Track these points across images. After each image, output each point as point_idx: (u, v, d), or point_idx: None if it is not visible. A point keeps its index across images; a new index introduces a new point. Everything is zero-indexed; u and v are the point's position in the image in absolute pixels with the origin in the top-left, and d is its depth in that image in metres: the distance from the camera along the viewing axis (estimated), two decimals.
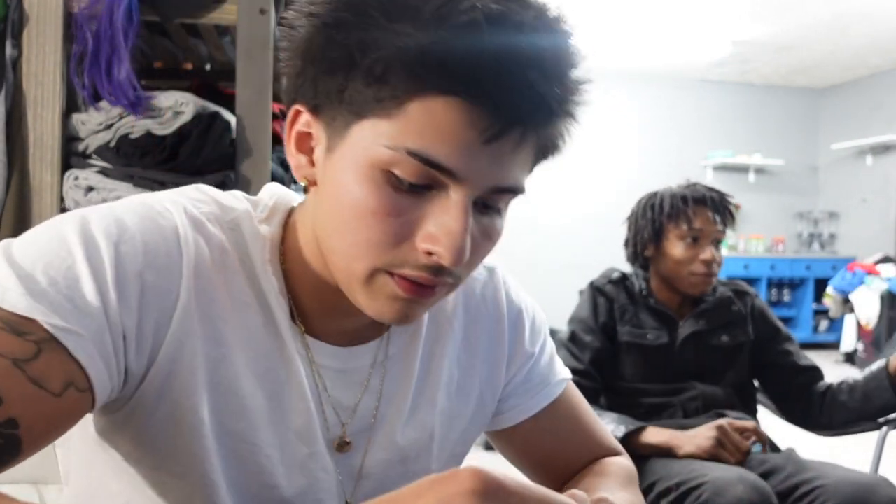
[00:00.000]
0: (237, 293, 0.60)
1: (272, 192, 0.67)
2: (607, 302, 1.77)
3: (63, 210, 1.50)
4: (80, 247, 0.52)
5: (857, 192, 7.14)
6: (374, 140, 0.52)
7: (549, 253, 6.50)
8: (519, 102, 0.51)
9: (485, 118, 0.50)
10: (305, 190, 0.61)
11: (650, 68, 6.86)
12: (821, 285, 6.73)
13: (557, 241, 6.60)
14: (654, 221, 1.76)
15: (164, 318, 0.55)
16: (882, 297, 5.42)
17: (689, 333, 1.75)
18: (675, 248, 1.73)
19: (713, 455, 1.50)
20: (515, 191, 0.57)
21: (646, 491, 1.50)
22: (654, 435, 1.57)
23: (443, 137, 0.51)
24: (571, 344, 1.74)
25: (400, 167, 0.52)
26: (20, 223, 1.45)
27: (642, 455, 1.56)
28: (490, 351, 0.75)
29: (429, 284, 0.55)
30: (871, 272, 5.68)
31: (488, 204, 0.57)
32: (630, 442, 1.56)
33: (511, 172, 0.55)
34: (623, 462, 0.82)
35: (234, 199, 0.64)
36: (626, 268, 1.89)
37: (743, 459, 1.52)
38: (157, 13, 1.50)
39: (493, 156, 0.52)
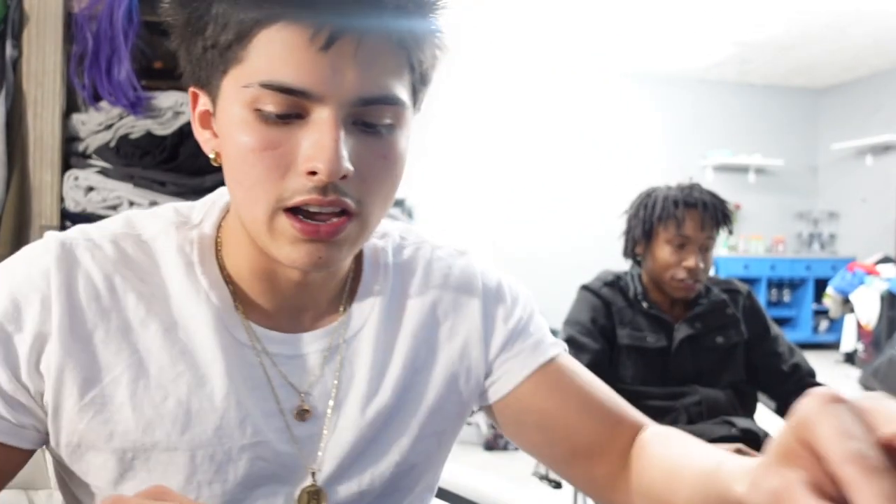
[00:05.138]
0: (134, 310, 0.63)
1: (210, 199, 0.71)
2: (604, 305, 1.77)
3: (63, 210, 1.50)
4: None
5: (857, 192, 7.14)
6: (236, 85, 0.57)
7: (549, 252, 6.50)
8: (338, 5, 0.54)
9: (310, 30, 0.54)
10: (215, 161, 0.65)
11: (650, 68, 6.86)
12: (821, 285, 6.73)
13: (557, 240, 6.60)
14: (644, 222, 1.77)
15: (38, 353, 0.60)
16: (882, 298, 5.41)
17: (684, 336, 1.75)
18: (662, 251, 1.74)
19: None
20: (388, 100, 0.57)
21: None
22: None
23: (284, 61, 0.54)
24: (567, 347, 1.72)
25: (262, 102, 0.55)
26: (20, 223, 1.45)
27: None
28: (460, 326, 0.74)
29: (326, 209, 0.57)
30: (870, 272, 5.68)
31: (368, 122, 0.58)
32: None
33: (370, 80, 0.56)
34: (666, 429, 0.75)
35: (156, 215, 0.69)
36: (625, 268, 1.89)
37: None
38: (157, 13, 1.50)
39: (336, 65, 0.55)
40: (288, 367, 0.67)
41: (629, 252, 1.85)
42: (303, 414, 0.66)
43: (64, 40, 1.45)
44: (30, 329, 0.59)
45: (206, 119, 0.64)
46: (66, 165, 1.50)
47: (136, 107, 1.45)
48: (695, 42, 6.03)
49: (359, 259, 0.73)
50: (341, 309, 0.70)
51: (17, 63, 1.43)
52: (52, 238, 0.64)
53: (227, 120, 0.59)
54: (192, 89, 0.63)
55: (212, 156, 0.64)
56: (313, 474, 0.66)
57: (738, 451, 1.50)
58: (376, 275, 0.72)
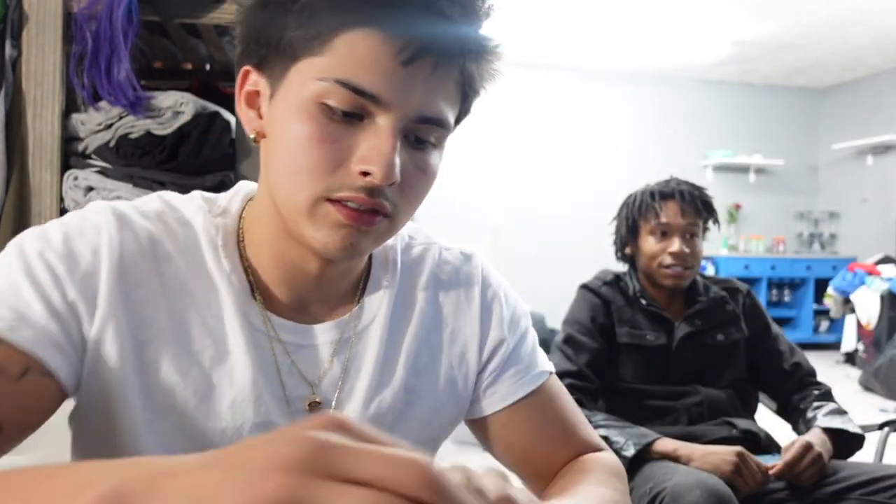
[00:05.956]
0: (172, 279, 0.65)
1: (233, 190, 0.73)
2: (603, 304, 1.78)
3: (63, 210, 1.50)
4: (17, 263, 0.60)
5: (858, 192, 7.13)
6: (307, 76, 0.59)
7: (550, 253, 6.50)
8: (429, 28, 0.58)
9: (399, 43, 0.57)
10: (255, 141, 0.67)
11: (650, 68, 6.85)
12: (821, 285, 6.72)
13: (558, 240, 6.60)
14: (628, 219, 1.84)
15: (90, 304, 0.62)
16: (882, 298, 5.41)
17: (684, 334, 1.76)
18: (647, 242, 1.79)
19: (728, 479, 1.46)
20: (441, 123, 0.62)
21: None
22: (665, 444, 1.56)
23: (365, 65, 0.57)
24: (566, 346, 1.73)
25: (331, 97, 0.58)
26: (20, 223, 1.45)
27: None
28: (460, 332, 0.76)
29: (367, 207, 0.60)
30: (871, 272, 5.67)
31: (419, 137, 0.62)
32: (641, 453, 1.54)
33: (432, 101, 0.60)
34: (606, 458, 0.80)
35: (189, 199, 0.71)
36: (623, 268, 1.89)
37: (757, 490, 1.51)
38: (157, 13, 1.50)
39: (410, 80, 0.58)
40: (298, 355, 0.69)
41: (621, 255, 1.89)
42: (314, 406, 0.68)
43: (63, 40, 1.45)
44: (80, 273, 0.61)
45: (254, 101, 0.66)
46: (65, 165, 1.49)
47: (136, 106, 1.45)
48: (694, 42, 6.02)
49: (369, 257, 0.75)
50: (354, 302, 0.72)
51: (16, 63, 1.43)
52: (102, 204, 0.66)
53: (285, 106, 0.61)
54: (244, 68, 0.65)
55: (252, 135, 0.66)
56: None
57: (739, 455, 1.50)
58: (385, 270, 0.75)
